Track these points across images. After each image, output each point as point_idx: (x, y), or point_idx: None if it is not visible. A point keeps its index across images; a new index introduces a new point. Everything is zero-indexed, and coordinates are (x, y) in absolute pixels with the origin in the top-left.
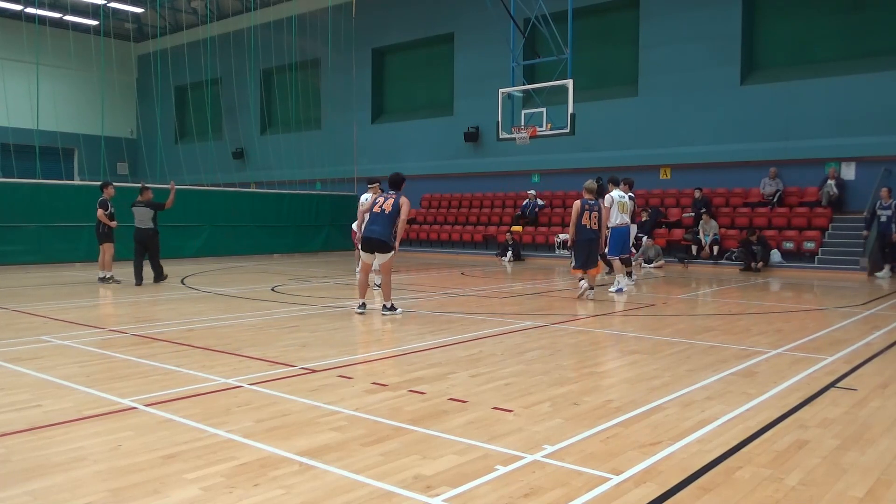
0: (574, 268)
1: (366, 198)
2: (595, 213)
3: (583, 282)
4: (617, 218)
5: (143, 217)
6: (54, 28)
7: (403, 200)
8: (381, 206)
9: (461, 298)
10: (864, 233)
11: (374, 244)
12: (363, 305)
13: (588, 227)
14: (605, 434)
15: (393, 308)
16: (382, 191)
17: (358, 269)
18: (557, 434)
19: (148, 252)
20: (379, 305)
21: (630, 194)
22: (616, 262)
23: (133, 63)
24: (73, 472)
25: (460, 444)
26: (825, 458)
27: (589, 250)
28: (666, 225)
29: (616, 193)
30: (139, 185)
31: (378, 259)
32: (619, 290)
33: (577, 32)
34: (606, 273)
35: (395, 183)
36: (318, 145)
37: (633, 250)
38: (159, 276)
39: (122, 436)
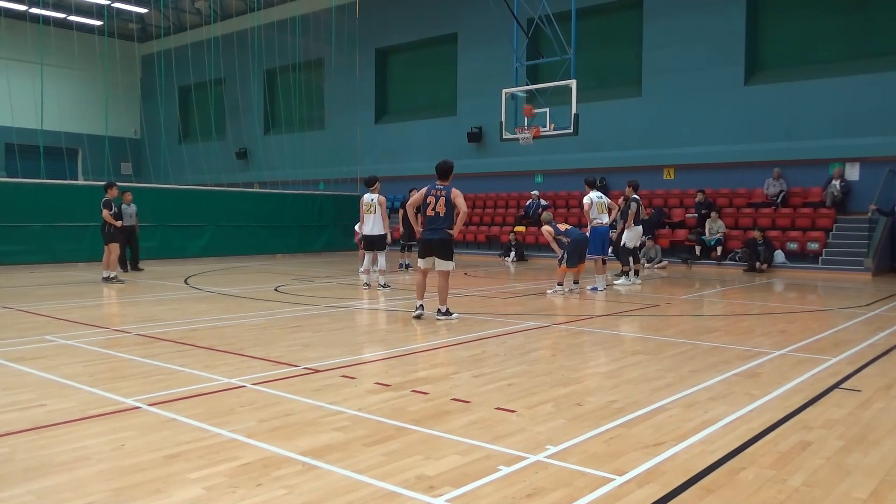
0: (568, 266)
1: (372, 198)
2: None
3: (561, 285)
4: (596, 218)
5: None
6: (58, 28)
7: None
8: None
9: (464, 299)
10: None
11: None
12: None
13: (578, 228)
14: (608, 435)
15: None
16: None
17: (362, 270)
18: (560, 434)
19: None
20: (376, 305)
21: (635, 196)
22: (598, 263)
23: (137, 63)
24: (77, 472)
25: (463, 444)
26: (829, 459)
27: (581, 250)
28: (669, 225)
29: (594, 194)
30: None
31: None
32: (595, 290)
33: (580, 33)
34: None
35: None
36: (321, 145)
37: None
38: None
39: (126, 435)
